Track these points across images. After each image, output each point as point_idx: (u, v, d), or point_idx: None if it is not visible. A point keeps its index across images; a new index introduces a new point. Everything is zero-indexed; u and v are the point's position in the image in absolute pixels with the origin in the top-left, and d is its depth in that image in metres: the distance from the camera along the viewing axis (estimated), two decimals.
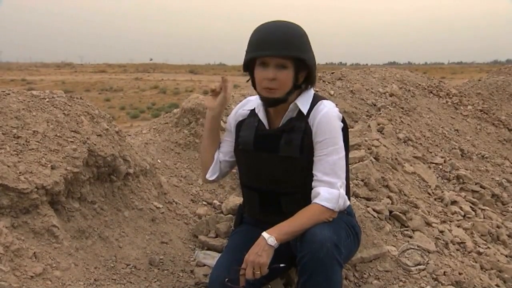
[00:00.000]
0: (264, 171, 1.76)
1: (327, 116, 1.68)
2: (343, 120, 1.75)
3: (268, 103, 1.71)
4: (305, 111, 1.70)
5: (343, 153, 1.71)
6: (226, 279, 1.61)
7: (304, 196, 1.69)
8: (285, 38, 1.63)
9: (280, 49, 1.61)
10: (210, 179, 1.93)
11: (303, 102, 1.72)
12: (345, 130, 1.75)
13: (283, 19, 1.85)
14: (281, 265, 1.59)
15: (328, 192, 1.63)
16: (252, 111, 1.84)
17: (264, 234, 1.56)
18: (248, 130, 1.81)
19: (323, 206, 1.61)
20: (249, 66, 1.72)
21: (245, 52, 1.71)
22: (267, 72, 1.64)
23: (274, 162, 1.73)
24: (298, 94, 1.73)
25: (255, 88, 1.75)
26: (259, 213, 1.83)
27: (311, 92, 1.76)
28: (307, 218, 1.60)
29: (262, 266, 1.52)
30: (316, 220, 1.59)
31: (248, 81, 1.80)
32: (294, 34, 1.66)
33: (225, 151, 1.92)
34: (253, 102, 1.85)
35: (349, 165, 2.86)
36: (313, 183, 1.68)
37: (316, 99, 1.74)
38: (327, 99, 1.77)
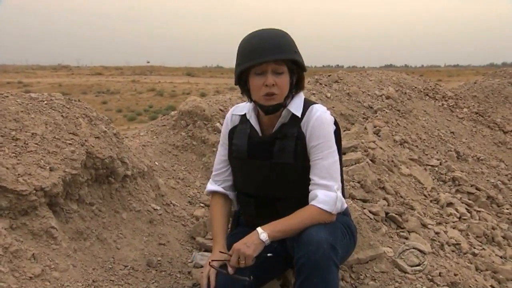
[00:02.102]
0: (259, 177, 1.77)
1: (320, 120, 1.70)
2: (335, 123, 1.77)
3: (268, 110, 1.71)
4: (299, 115, 1.72)
5: (338, 156, 1.73)
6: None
7: (300, 200, 1.70)
8: (278, 43, 1.64)
9: (277, 54, 1.62)
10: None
11: (295, 107, 1.73)
12: (337, 133, 1.76)
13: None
14: (268, 254, 1.60)
15: (326, 194, 1.65)
16: (243, 117, 1.84)
17: (258, 229, 1.59)
18: (241, 138, 1.81)
19: (320, 208, 1.63)
20: (241, 78, 1.72)
21: (236, 65, 1.70)
22: (266, 79, 1.64)
23: (268, 169, 1.74)
24: (290, 99, 1.74)
25: (250, 99, 1.75)
26: (255, 218, 1.84)
27: (301, 97, 1.77)
28: (303, 218, 1.62)
29: (247, 258, 1.55)
30: (312, 221, 1.61)
31: (242, 92, 1.78)
32: (285, 38, 1.67)
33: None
34: (242, 107, 1.86)
35: (345, 167, 2.90)
36: (310, 187, 1.69)
37: (307, 104, 1.75)
38: (317, 103, 1.78)
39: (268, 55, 1.62)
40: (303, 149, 1.70)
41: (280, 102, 1.68)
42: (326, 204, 1.63)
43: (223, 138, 1.91)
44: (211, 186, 1.93)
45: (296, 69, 1.70)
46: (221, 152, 1.92)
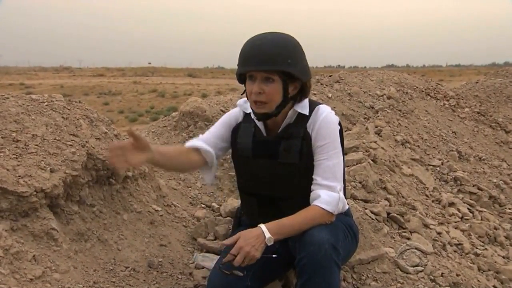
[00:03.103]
0: (263, 177, 1.77)
1: (327, 121, 1.70)
2: (339, 124, 1.77)
3: (258, 117, 1.72)
4: (307, 113, 1.72)
5: (342, 157, 1.73)
6: (219, 265, 1.64)
7: (303, 200, 1.70)
8: (270, 51, 1.60)
9: (263, 64, 1.60)
10: (212, 183, 1.94)
11: (302, 107, 1.73)
12: (340, 134, 1.76)
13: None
14: (273, 255, 1.60)
15: (328, 195, 1.65)
16: (248, 116, 1.84)
17: (265, 230, 1.56)
18: (245, 136, 1.81)
19: (323, 208, 1.63)
20: (241, 79, 1.73)
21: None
22: (253, 86, 1.65)
23: (273, 169, 1.74)
24: (293, 104, 1.73)
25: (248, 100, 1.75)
26: (258, 217, 1.84)
27: (305, 99, 1.77)
28: (306, 219, 1.61)
29: (253, 259, 1.54)
30: (314, 222, 1.61)
31: (242, 94, 1.79)
32: (281, 47, 1.62)
33: (219, 145, 1.86)
34: (246, 105, 1.86)
35: (347, 167, 2.89)
36: (312, 186, 1.69)
37: (312, 104, 1.75)
38: (322, 103, 1.78)
39: (253, 65, 1.62)
40: (308, 149, 1.71)
41: (270, 112, 1.68)
42: (329, 204, 1.63)
43: (227, 121, 1.87)
44: (191, 141, 1.85)
45: (290, 80, 1.66)
46: (220, 131, 1.86)
